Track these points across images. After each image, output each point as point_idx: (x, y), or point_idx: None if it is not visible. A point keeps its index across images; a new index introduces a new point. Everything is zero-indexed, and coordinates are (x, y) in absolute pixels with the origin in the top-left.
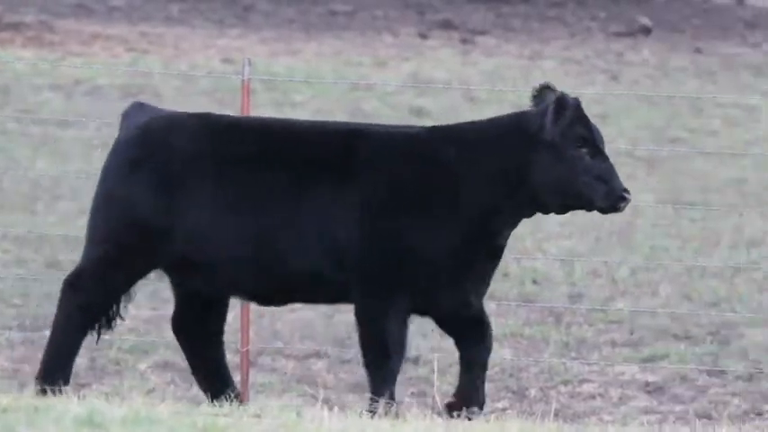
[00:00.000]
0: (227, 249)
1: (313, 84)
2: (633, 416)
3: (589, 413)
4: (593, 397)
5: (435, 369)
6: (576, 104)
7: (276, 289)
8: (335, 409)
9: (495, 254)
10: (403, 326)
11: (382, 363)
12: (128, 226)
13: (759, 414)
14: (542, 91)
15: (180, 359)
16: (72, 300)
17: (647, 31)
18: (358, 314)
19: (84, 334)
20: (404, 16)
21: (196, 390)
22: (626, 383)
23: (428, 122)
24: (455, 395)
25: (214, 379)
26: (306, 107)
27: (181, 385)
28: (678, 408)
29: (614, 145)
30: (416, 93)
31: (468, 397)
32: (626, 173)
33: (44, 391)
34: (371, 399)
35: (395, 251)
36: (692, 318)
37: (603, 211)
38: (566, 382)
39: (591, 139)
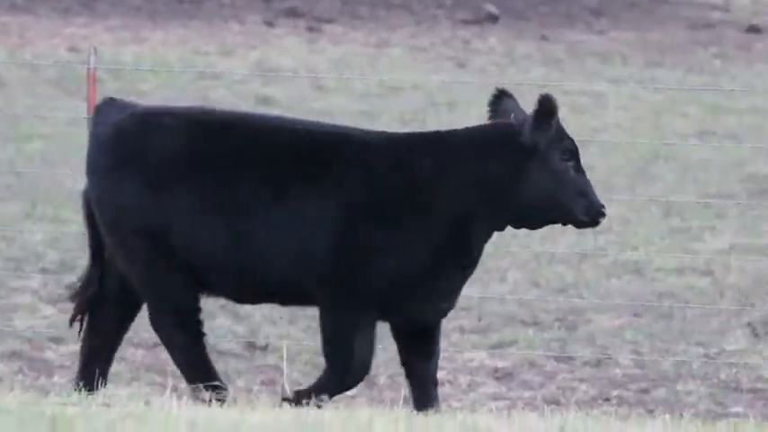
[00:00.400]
0: (201, 250)
1: (160, 72)
2: (482, 402)
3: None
4: (442, 383)
5: (284, 357)
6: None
7: (250, 291)
8: (184, 398)
9: (468, 266)
10: (369, 343)
11: (338, 379)
12: (135, 238)
13: (607, 399)
14: (499, 97)
15: (28, 348)
16: (165, 323)
17: (493, 18)
18: (324, 325)
19: (197, 343)
20: (250, 4)
21: (44, 379)
22: (475, 370)
23: (276, 111)
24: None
25: (97, 368)
26: (152, 96)
27: (29, 374)
28: (527, 394)
29: None
30: (264, 81)
31: (424, 407)
32: None
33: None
34: (310, 396)
35: (367, 261)
36: (539, 304)
37: (582, 225)
38: None
39: (575, 151)
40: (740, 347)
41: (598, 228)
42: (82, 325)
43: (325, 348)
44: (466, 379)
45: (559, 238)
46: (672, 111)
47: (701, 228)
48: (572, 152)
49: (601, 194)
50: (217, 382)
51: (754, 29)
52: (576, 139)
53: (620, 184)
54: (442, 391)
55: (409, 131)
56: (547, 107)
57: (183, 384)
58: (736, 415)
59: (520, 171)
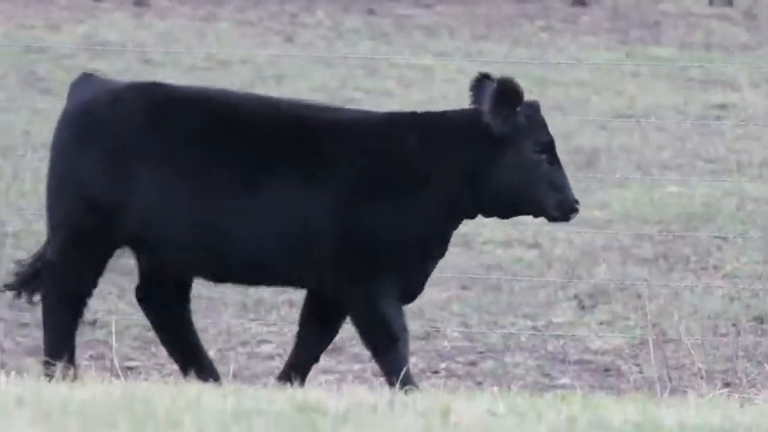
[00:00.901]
0: (175, 237)
1: None
2: (313, 375)
3: (268, 373)
4: (271, 357)
5: (113, 331)
6: (536, 107)
7: (227, 273)
8: (13, 373)
9: (441, 250)
10: (398, 307)
11: (390, 348)
12: (81, 207)
13: (435, 372)
14: (481, 81)
15: None
16: (52, 293)
17: None
18: (352, 305)
19: (73, 322)
20: None
21: None
22: None
23: None
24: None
25: (182, 351)
26: None
27: None
28: (357, 366)
29: None
30: (91, 55)
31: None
32: None
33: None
34: (390, 385)
35: (371, 236)
36: None
37: (553, 219)
38: (244, 344)
39: (550, 144)
40: (567, 320)
41: None
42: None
43: (362, 328)
44: None
45: None
46: None
47: None
48: (545, 145)
49: None
50: (71, 366)
51: (580, 2)
52: (404, 111)
53: None
54: (272, 364)
55: (391, 111)
56: (502, 90)
57: (12, 360)
58: (564, 386)
59: (487, 159)
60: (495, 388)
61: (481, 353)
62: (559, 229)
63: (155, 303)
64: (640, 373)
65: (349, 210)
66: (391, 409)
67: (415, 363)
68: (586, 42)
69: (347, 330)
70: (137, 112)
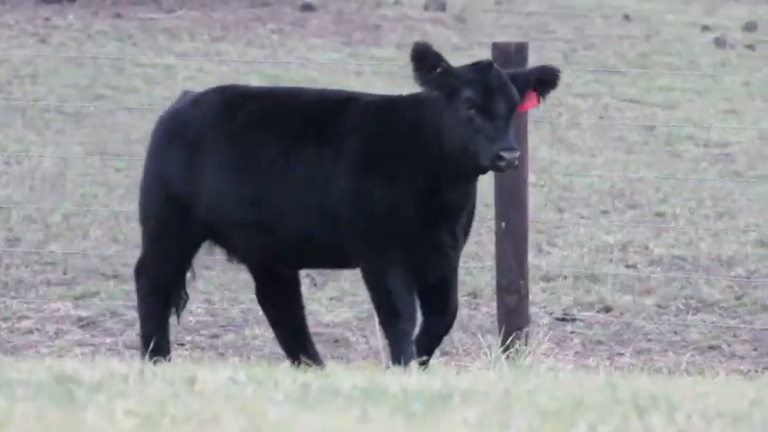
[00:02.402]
0: (232, 216)
1: None
2: (68, 348)
3: (28, 347)
4: (30, 332)
5: None
6: (479, 68)
7: (282, 253)
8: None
9: (444, 209)
10: (407, 284)
11: (392, 323)
12: (161, 201)
13: (181, 344)
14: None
15: None
16: (142, 287)
17: None
18: (364, 278)
19: (163, 317)
20: None
21: None
22: (61, 319)
23: None
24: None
25: (294, 348)
26: None
27: None
28: (109, 340)
29: (44, 102)
30: None
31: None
32: (56, 128)
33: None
34: (393, 361)
35: (379, 209)
36: (119, 259)
37: (489, 168)
38: (6, 319)
39: (481, 101)
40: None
41: None
42: None
43: (373, 300)
44: (53, 327)
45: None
46: (236, 81)
47: None
48: (473, 100)
49: None
50: (161, 356)
51: (307, 7)
52: (148, 107)
53: None
54: (31, 338)
55: (393, 95)
56: (415, 54)
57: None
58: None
59: (436, 124)
60: (237, 359)
61: (223, 326)
62: None
63: (271, 304)
64: (367, 344)
65: (352, 184)
66: (141, 378)
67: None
68: (314, 44)
69: (100, 306)
70: (208, 110)
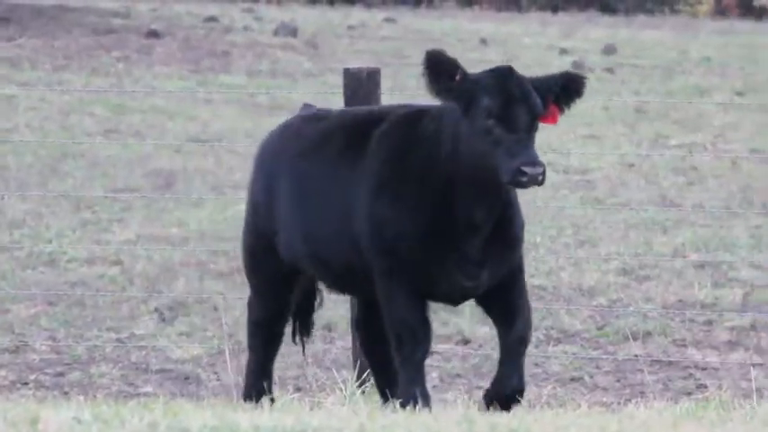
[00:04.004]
0: (293, 244)
1: None
2: None
3: None
4: None
5: None
6: (499, 74)
7: (338, 281)
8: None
9: (469, 228)
10: (414, 309)
11: (397, 349)
12: (251, 231)
13: (25, 384)
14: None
15: None
16: (250, 318)
17: None
18: (378, 296)
19: (268, 347)
20: None
21: None
22: None
23: None
24: (492, 381)
25: (382, 376)
26: None
27: None
28: None
29: None
30: None
31: (499, 382)
32: None
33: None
34: (400, 388)
35: (389, 231)
36: None
37: (510, 184)
38: None
39: (501, 111)
40: (149, 331)
41: (12, 221)
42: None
43: (387, 321)
44: None
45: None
46: (80, 111)
47: (110, 220)
48: (491, 110)
49: (15, 191)
50: (261, 391)
51: (154, 34)
52: None
53: (32, 181)
54: None
55: (413, 105)
56: (428, 64)
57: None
58: (147, 394)
59: (455, 133)
60: (82, 397)
61: (68, 364)
62: (140, 247)
63: (366, 333)
64: (218, 380)
65: (369, 204)
66: None
67: (5, 375)
68: (161, 72)
69: None
70: (284, 140)
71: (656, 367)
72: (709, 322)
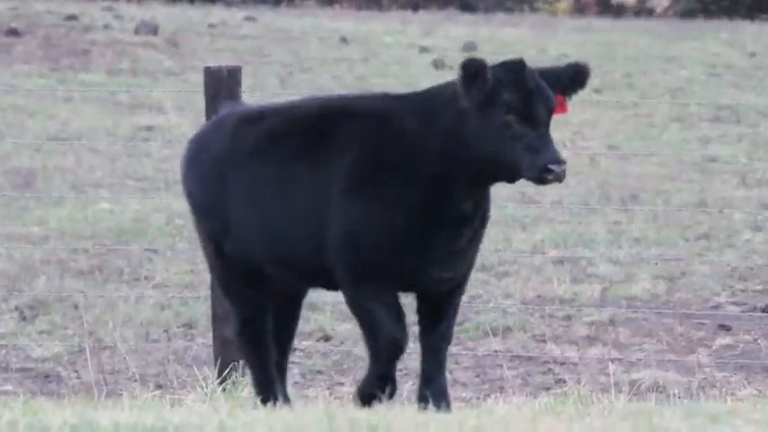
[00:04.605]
0: (251, 246)
1: None
2: None
3: None
4: None
5: None
6: (513, 68)
7: (301, 276)
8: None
9: (454, 228)
10: (391, 310)
11: (375, 356)
12: (203, 235)
13: None
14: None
15: None
16: (233, 329)
17: None
18: (347, 303)
19: (259, 347)
20: None
21: None
22: None
23: None
24: (419, 383)
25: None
26: None
27: None
28: None
29: None
30: None
31: (425, 382)
32: None
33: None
34: (359, 390)
35: (364, 230)
36: None
37: (532, 180)
38: None
39: (520, 106)
40: (9, 330)
41: None
42: None
43: (359, 326)
44: None
45: None
46: None
47: None
48: (511, 105)
49: None
50: (269, 394)
51: (13, 32)
52: None
53: None
54: None
55: (394, 93)
56: (469, 71)
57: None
58: (7, 393)
59: (464, 127)
60: None
61: None
62: (0, 246)
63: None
64: (78, 378)
65: (342, 205)
66: None
67: None
68: (20, 70)
69: None
70: (225, 139)
71: (515, 362)
72: (568, 318)
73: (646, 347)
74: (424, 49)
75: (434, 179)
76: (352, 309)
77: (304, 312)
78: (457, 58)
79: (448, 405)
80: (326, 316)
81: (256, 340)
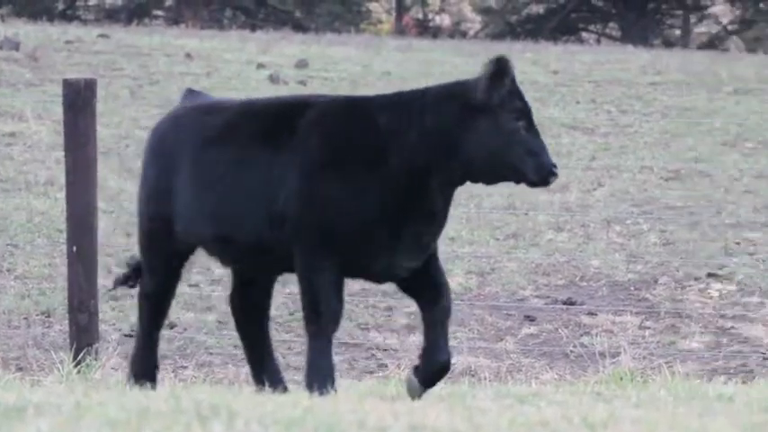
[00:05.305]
0: (196, 227)
1: None
2: None
3: None
4: None
5: None
6: (513, 75)
7: (238, 258)
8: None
9: (427, 220)
10: (336, 290)
11: (314, 322)
12: (147, 211)
13: None
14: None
15: None
16: (141, 292)
17: None
18: (298, 276)
19: (157, 318)
20: None
21: None
22: None
23: None
24: (420, 356)
25: (256, 352)
26: None
27: None
28: None
29: None
30: None
31: (432, 356)
32: None
33: (135, 383)
34: (308, 366)
35: (325, 214)
36: None
37: (534, 185)
38: None
39: (527, 113)
40: None
41: None
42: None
43: (301, 300)
44: None
45: None
46: None
47: None
48: (522, 112)
49: None
50: (142, 379)
51: None
52: None
53: None
54: None
55: (376, 94)
56: (501, 68)
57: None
58: None
59: (468, 128)
60: None
61: None
62: None
63: (241, 309)
64: None
65: (313, 187)
66: None
67: None
68: None
69: None
70: (180, 129)
71: (342, 349)
72: (390, 308)
73: (459, 335)
74: (261, 66)
75: (409, 173)
76: (302, 275)
77: None
78: (291, 74)
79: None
80: (172, 305)
81: (160, 311)
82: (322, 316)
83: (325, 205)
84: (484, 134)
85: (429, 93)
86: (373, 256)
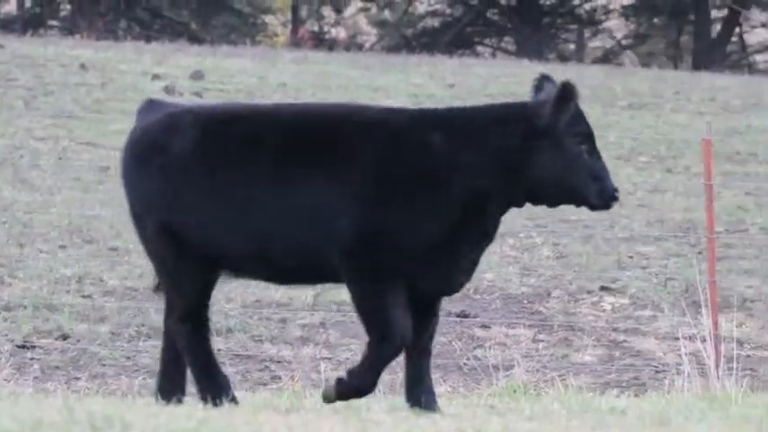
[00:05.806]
0: (222, 240)
1: None
2: None
3: None
4: None
5: None
6: (578, 99)
7: (281, 274)
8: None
9: (484, 240)
10: (405, 308)
11: (382, 350)
12: (157, 230)
13: None
14: (541, 81)
15: None
16: (173, 318)
17: None
18: (356, 300)
19: (199, 341)
20: None
21: None
22: None
23: None
24: (406, 382)
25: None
26: None
27: None
28: None
29: None
30: None
31: (416, 381)
32: None
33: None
34: (350, 372)
35: (385, 237)
36: None
37: (595, 208)
38: None
39: (590, 136)
40: None
41: None
42: None
43: (364, 322)
44: None
45: None
46: None
47: None
48: (586, 136)
49: None
50: (216, 388)
51: None
52: None
53: None
54: None
55: (426, 108)
56: (568, 93)
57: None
58: None
59: (531, 151)
60: None
61: None
62: None
63: (192, 330)
64: None
65: (371, 210)
66: None
67: None
68: None
69: None
70: (185, 135)
71: (236, 360)
72: (284, 320)
73: (353, 347)
74: (156, 77)
75: (469, 196)
76: (363, 303)
77: (43, 312)
78: (186, 86)
79: (435, 405)
80: (64, 316)
81: (199, 329)
82: (395, 336)
83: (388, 233)
84: (548, 158)
85: (484, 113)
86: (433, 278)
